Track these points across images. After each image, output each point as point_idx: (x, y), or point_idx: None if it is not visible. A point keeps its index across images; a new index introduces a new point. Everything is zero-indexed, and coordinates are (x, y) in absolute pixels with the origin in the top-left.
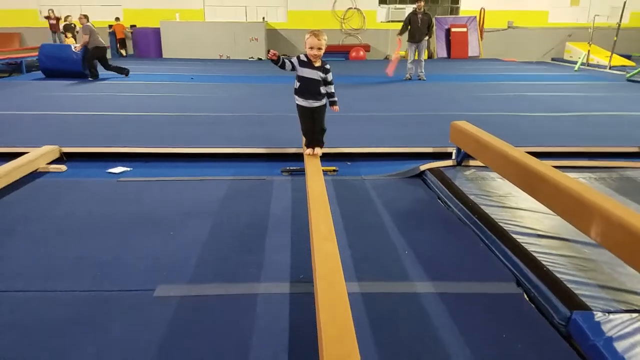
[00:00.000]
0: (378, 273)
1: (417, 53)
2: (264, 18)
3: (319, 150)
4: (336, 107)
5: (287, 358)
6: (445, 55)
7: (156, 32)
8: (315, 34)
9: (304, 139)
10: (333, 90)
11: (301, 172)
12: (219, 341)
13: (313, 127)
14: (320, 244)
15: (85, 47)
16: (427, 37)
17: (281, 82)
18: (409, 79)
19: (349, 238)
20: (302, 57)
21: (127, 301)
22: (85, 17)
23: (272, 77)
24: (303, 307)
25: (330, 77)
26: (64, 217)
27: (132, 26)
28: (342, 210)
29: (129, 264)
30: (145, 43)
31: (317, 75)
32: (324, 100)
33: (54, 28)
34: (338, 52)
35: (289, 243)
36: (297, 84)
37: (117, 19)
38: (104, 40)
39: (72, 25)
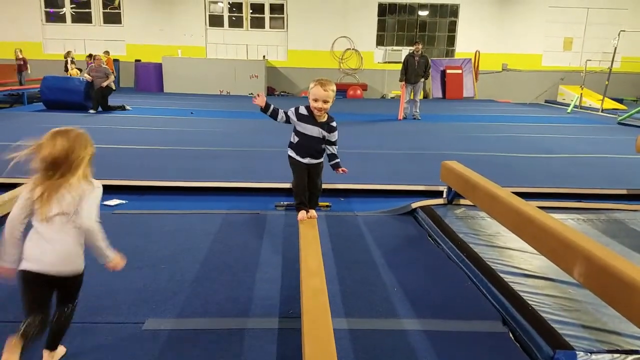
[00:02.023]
0: (366, 309)
1: (412, 93)
2: (264, 56)
3: (314, 213)
4: (343, 169)
5: None
6: (440, 95)
7: (157, 67)
8: (322, 82)
9: (295, 196)
10: (336, 152)
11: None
12: None
13: (306, 183)
14: (308, 280)
15: (91, 82)
16: (423, 79)
17: None
18: (404, 118)
19: (339, 273)
20: (303, 110)
21: (115, 334)
22: (107, 53)
23: None
24: (291, 343)
25: (335, 136)
26: None
27: (137, 61)
28: (334, 245)
29: (119, 296)
30: (147, 77)
31: (318, 132)
32: (322, 159)
33: (20, 69)
34: (336, 91)
35: (279, 278)
36: (294, 138)
37: (107, 52)
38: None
39: (72, 58)
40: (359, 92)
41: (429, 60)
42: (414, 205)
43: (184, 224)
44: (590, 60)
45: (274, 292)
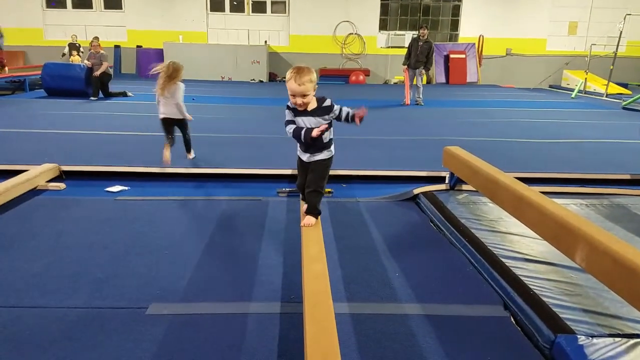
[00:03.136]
0: (367, 294)
1: (415, 79)
2: (266, 41)
3: (308, 220)
4: (360, 113)
5: None
6: (444, 80)
7: (159, 53)
8: (296, 74)
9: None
10: (348, 110)
11: (297, 194)
12: (209, 359)
13: (304, 180)
14: (309, 265)
15: (90, 68)
16: (424, 65)
17: (281, 104)
18: (407, 104)
19: (341, 259)
20: (291, 104)
21: (119, 318)
22: (96, 38)
23: (272, 99)
24: (293, 327)
25: (336, 110)
26: (61, 234)
27: (138, 46)
28: (336, 231)
29: (123, 281)
30: (148, 63)
31: (314, 122)
32: (326, 155)
33: None
34: (338, 76)
35: (281, 263)
36: None
37: (96, 38)
38: (110, 59)
39: (77, 44)
40: (361, 77)
41: (433, 47)
42: (416, 191)
43: (186, 210)
44: (595, 44)
45: (275, 277)
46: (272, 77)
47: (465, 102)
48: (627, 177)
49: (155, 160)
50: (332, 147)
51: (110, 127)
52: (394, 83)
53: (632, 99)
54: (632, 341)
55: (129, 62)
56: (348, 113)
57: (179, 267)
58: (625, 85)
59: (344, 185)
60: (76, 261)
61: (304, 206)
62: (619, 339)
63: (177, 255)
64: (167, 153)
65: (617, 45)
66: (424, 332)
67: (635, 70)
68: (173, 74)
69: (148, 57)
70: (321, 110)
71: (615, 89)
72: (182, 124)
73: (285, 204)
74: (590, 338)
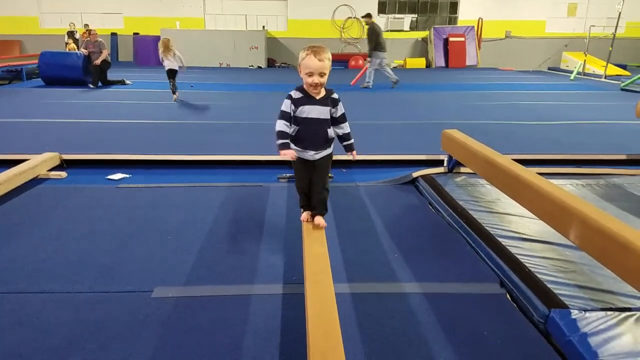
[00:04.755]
0: (367, 275)
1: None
2: (264, 27)
3: (320, 220)
4: (355, 153)
5: (279, 354)
6: (443, 64)
7: (156, 40)
8: (315, 50)
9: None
10: (348, 130)
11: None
12: (215, 339)
13: (309, 183)
14: (310, 247)
15: (87, 57)
16: (370, 49)
17: (281, 90)
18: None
19: (341, 242)
20: (296, 94)
21: (125, 302)
22: (86, 26)
23: (271, 85)
24: (295, 307)
25: (341, 109)
26: (64, 221)
27: (135, 34)
28: (336, 215)
29: (127, 266)
30: (146, 51)
31: (324, 112)
32: (331, 148)
33: None
34: (338, 61)
35: (283, 247)
36: (292, 130)
37: (87, 26)
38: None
39: (75, 31)
40: (361, 62)
41: (374, 29)
42: (415, 174)
43: (187, 196)
44: (594, 26)
45: (277, 260)
46: (270, 63)
47: (464, 85)
48: (624, 157)
49: (155, 147)
50: None
51: (110, 115)
52: (394, 67)
53: (630, 80)
54: (623, 314)
55: (126, 50)
56: (350, 137)
57: (182, 252)
58: (624, 67)
59: (344, 170)
60: (80, 248)
61: (303, 214)
62: (611, 312)
63: (180, 241)
64: (175, 97)
65: (616, 27)
66: (423, 309)
67: (634, 51)
68: (166, 47)
69: (145, 45)
70: (329, 101)
71: (614, 70)
72: (175, 73)
73: (286, 189)
74: (583, 312)
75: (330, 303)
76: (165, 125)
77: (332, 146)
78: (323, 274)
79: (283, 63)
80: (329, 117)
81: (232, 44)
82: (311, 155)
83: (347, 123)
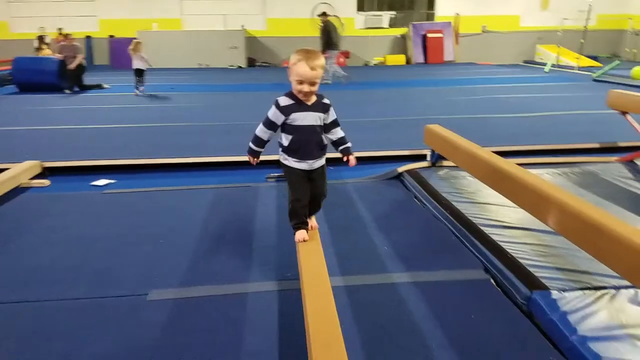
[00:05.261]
0: (360, 268)
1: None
2: (242, 26)
3: (314, 222)
4: (353, 158)
5: (279, 349)
6: (422, 60)
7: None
8: (308, 56)
9: (292, 216)
10: (342, 134)
11: (284, 179)
12: (214, 338)
13: (308, 194)
14: (304, 245)
15: (62, 61)
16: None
17: (262, 90)
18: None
19: (333, 237)
20: (285, 101)
21: (122, 306)
22: (60, 29)
23: (252, 85)
24: (291, 302)
25: (333, 114)
26: (52, 229)
27: (111, 36)
28: (326, 212)
29: (121, 271)
30: (122, 54)
31: (316, 119)
32: (325, 155)
33: None
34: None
35: (275, 245)
36: (285, 139)
37: (60, 30)
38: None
39: (45, 36)
40: (342, 60)
41: (326, 29)
42: (400, 169)
43: (176, 199)
44: (566, 19)
45: (270, 258)
46: (251, 63)
47: (443, 80)
48: (597, 145)
49: (139, 152)
50: None
51: (89, 120)
52: (374, 64)
53: (601, 71)
54: (599, 292)
55: (101, 53)
56: (345, 141)
57: (175, 254)
58: (595, 58)
59: (332, 168)
60: (71, 255)
61: (296, 234)
62: (588, 291)
63: (172, 244)
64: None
65: (587, 19)
66: (414, 297)
67: (605, 43)
68: (136, 47)
69: (121, 47)
70: (320, 106)
71: (586, 62)
72: (142, 73)
73: (275, 189)
74: (563, 292)
75: (327, 296)
76: (147, 129)
77: (325, 152)
78: (319, 269)
79: (264, 62)
80: (322, 123)
81: (211, 44)
82: (310, 164)
83: (339, 127)
